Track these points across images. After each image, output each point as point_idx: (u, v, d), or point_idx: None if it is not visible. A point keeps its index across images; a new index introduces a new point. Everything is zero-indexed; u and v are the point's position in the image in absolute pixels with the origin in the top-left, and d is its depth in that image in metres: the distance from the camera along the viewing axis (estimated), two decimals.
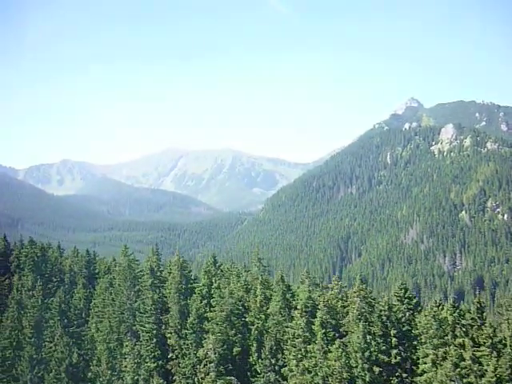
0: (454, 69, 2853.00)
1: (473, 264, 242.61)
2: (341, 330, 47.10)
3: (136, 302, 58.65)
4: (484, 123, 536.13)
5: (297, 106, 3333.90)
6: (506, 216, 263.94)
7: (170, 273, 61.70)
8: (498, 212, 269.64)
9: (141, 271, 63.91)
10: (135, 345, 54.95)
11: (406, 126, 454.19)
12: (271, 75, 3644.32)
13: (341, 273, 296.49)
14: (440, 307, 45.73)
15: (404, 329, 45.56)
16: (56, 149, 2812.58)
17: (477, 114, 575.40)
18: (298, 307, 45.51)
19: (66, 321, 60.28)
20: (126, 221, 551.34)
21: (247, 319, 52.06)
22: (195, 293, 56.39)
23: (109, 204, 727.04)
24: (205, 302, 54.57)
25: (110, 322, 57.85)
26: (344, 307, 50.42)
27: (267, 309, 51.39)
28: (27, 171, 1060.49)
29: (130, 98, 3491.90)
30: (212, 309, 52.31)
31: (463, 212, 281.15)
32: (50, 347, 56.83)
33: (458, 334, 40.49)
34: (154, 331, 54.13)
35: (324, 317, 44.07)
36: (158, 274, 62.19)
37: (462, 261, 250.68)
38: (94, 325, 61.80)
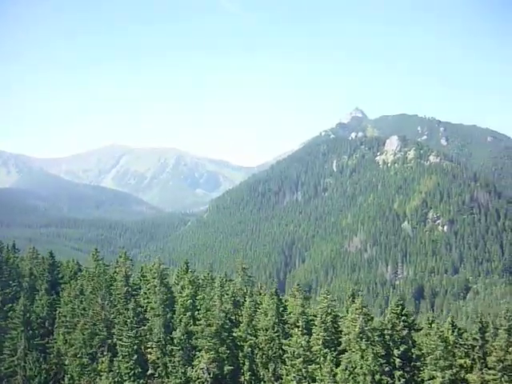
0: (397, 82, 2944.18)
1: (414, 273, 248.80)
2: (339, 348, 44.61)
3: (111, 312, 53.56)
4: (425, 137, 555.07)
5: (242, 109, 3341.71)
6: (445, 227, 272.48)
7: (142, 280, 57.27)
8: (439, 223, 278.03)
9: (112, 278, 58.65)
10: (111, 361, 49.79)
11: (353, 135, 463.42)
12: (218, 77, 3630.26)
13: (284, 278, 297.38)
14: (433, 324, 44.31)
15: (403, 348, 43.65)
16: None
17: (419, 128, 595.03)
18: (297, 324, 42.77)
19: (30, 332, 53.32)
20: (65, 217, 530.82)
21: (235, 334, 48.71)
22: (177, 304, 52.04)
23: (46, 199, 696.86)
24: (189, 314, 50.24)
25: (82, 334, 52.01)
26: (334, 322, 47.86)
27: (257, 323, 48.33)
28: None
29: (73, 93, 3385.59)
30: (198, 322, 48.31)
31: (405, 222, 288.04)
32: (12, 361, 50.42)
33: (460, 355, 39.14)
34: (135, 346, 49.17)
35: (325, 335, 41.59)
36: (131, 281, 57.47)
37: (403, 270, 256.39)
38: (61, 336, 55.61)
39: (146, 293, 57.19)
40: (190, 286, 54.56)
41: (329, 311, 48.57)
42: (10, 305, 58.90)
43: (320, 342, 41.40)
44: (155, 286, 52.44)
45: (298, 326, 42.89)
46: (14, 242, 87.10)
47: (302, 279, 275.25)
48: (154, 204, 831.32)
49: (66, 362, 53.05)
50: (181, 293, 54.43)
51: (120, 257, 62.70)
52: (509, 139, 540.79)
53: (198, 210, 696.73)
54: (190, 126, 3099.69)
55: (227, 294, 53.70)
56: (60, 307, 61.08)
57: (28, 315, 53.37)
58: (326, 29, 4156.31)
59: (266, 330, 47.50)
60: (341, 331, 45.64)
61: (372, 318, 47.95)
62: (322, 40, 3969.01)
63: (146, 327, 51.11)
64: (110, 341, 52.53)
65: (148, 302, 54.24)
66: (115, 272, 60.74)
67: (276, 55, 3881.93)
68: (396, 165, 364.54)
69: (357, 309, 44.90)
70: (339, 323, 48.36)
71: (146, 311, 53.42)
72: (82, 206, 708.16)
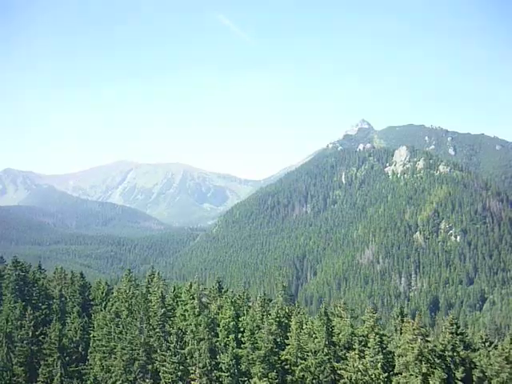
0: (403, 93, 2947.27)
1: (428, 285, 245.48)
2: (394, 370, 42.08)
3: (150, 335, 50.81)
4: (433, 147, 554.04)
5: (248, 123, 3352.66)
6: (458, 238, 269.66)
7: (176, 300, 55.14)
8: (451, 234, 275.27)
9: (147, 300, 55.67)
10: None
11: (361, 146, 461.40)
12: (223, 94, 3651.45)
13: (297, 292, 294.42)
14: (486, 342, 42.32)
15: (463, 371, 40.98)
16: None
17: (426, 138, 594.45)
18: (352, 346, 40.76)
19: (66, 358, 50.80)
20: (74, 234, 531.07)
21: (283, 357, 46.57)
22: (219, 326, 49.97)
23: (55, 216, 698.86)
24: (232, 337, 48.03)
25: (122, 359, 48.67)
26: (381, 342, 45.43)
27: (304, 345, 46.13)
28: None
29: (80, 110, 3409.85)
30: (243, 346, 46.26)
31: (417, 233, 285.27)
32: None
33: None
34: (179, 372, 46.32)
35: (382, 358, 39.62)
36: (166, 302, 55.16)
37: (417, 281, 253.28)
38: (97, 362, 52.09)
39: (183, 314, 54.60)
40: (232, 307, 52.29)
41: (376, 330, 46.71)
42: (42, 329, 56.54)
43: (379, 366, 39.30)
44: (194, 308, 50.24)
45: (353, 349, 40.84)
46: (39, 261, 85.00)
47: (315, 292, 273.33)
48: (161, 219, 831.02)
49: None
50: (219, 314, 52.21)
51: (151, 276, 60.51)
52: None
53: (205, 224, 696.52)
54: (196, 140, 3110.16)
55: (269, 315, 51.55)
56: (93, 331, 58.56)
57: (63, 340, 51.34)
58: (330, 42, 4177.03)
59: (316, 353, 45.13)
60: (390, 352, 43.37)
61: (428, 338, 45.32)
62: (324, 53, 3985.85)
63: (185, 351, 48.45)
64: (150, 366, 49.71)
65: (187, 325, 51.71)
66: (148, 292, 58.66)
67: (281, 68, 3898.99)
68: (405, 175, 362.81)
69: (414, 329, 42.62)
70: (386, 343, 45.99)
71: (184, 334, 50.92)
72: (90, 222, 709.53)
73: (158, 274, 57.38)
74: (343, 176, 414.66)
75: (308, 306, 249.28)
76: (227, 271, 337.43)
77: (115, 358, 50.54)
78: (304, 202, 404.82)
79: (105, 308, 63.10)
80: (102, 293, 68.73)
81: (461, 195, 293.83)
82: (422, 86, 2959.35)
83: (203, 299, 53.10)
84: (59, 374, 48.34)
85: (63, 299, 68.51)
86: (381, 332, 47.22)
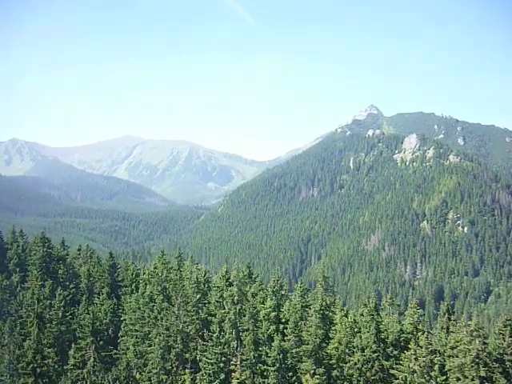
0: (413, 80, 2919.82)
1: (433, 274, 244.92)
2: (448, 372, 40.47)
3: (187, 323, 48.86)
4: (442, 136, 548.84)
5: (255, 104, 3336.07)
6: (466, 229, 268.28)
7: (209, 285, 53.32)
8: (459, 224, 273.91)
9: (182, 285, 53.82)
10: (193, 379, 45.10)
11: (370, 132, 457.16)
12: (233, 75, 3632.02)
13: (300, 275, 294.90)
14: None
15: None
16: (5, 127, 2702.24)
17: (435, 127, 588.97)
18: (409, 347, 39.18)
19: (100, 342, 48.05)
20: (79, 207, 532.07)
21: (328, 352, 45.33)
22: (260, 316, 47.88)
23: (60, 188, 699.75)
24: (272, 328, 46.46)
25: (160, 347, 46.30)
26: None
27: (351, 340, 44.87)
28: None
29: (88, 84, 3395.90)
30: (286, 338, 44.93)
31: (424, 222, 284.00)
32: (80, 373, 45.60)
33: None
34: (221, 364, 44.19)
35: (439, 360, 38.27)
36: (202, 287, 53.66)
37: (422, 270, 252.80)
38: (130, 347, 50.38)
39: (218, 301, 52.43)
40: (274, 297, 50.93)
41: (420, 327, 45.58)
42: (70, 309, 55.42)
43: (436, 368, 37.99)
44: (232, 296, 48.32)
45: (405, 347, 39.51)
46: (63, 238, 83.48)
47: (319, 276, 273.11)
48: (165, 196, 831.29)
49: (137, 377, 48.69)
50: (261, 303, 50.82)
51: (179, 257, 58.86)
52: None
53: (209, 203, 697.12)
54: (204, 119, 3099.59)
55: (308, 306, 49.79)
56: (124, 314, 56.74)
57: (96, 324, 49.16)
58: (342, 28, 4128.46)
59: (363, 350, 43.75)
60: (436, 351, 42.03)
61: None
62: (335, 38, 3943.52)
63: (223, 341, 46.28)
64: (187, 355, 47.82)
65: (224, 313, 49.48)
66: (180, 276, 57.27)
67: (291, 52, 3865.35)
68: (414, 163, 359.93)
69: (473, 330, 41.14)
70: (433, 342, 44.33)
71: (222, 322, 48.64)
72: (95, 196, 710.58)
73: (192, 257, 55.08)
74: (351, 161, 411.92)
75: (311, 290, 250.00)
76: (231, 251, 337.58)
77: (150, 345, 49.16)
78: (311, 185, 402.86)
79: (135, 290, 61.70)
80: (132, 274, 67.03)
81: (470, 186, 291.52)
82: (433, 74, 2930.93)
83: (246, 289, 51.25)
84: (92, 359, 46.70)
85: (91, 279, 66.85)
86: (425, 329, 46.16)
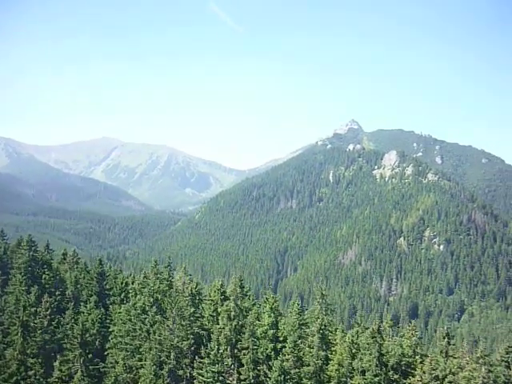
0: (393, 96, 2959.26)
1: (408, 291, 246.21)
2: None
3: (182, 338, 45.98)
4: (421, 154, 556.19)
5: (235, 113, 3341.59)
6: (441, 247, 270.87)
7: (202, 299, 50.77)
8: (435, 242, 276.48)
9: (175, 297, 50.26)
10: None
11: (350, 147, 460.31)
12: (214, 82, 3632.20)
13: (276, 286, 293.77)
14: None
15: None
16: None
17: (414, 144, 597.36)
18: (412, 371, 37.98)
19: (88, 355, 45.89)
20: (54, 207, 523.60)
21: (328, 374, 43.66)
22: (257, 334, 45.69)
23: (34, 187, 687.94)
24: (271, 346, 44.58)
25: (152, 362, 43.60)
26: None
27: (350, 363, 43.28)
28: None
29: (68, 83, 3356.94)
30: (285, 358, 42.79)
31: (401, 238, 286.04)
32: None
33: None
34: (218, 383, 41.57)
35: None
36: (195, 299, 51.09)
37: (397, 286, 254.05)
38: (120, 361, 47.20)
39: (212, 315, 50.58)
40: (272, 314, 49.08)
41: (418, 350, 44.45)
42: (58, 317, 52.48)
43: None
44: (229, 311, 46.28)
45: (406, 372, 38.21)
46: (47, 242, 79.54)
47: (295, 288, 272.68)
48: (142, 200, 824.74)
49: None
50: (255, 319, 48.44)
51: (168, 266, 56.65)
52: (503, 162, 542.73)
53: (186, 209, 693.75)
54: (184, 125, 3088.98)
55: (304, 324, 47.90)
56: (113, 325, 54.03)
57: (86, 335, 47.02)
58: (325, 40, 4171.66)
59: (363, 373, 42.26)
60: (438, 377, 41.01)
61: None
62: (317, 50, 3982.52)
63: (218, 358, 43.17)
64: (181, 372, 45.10)
65: (220, 329, 47.42)
66: (172, 288, 54.85)
67: (274, 61, 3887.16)
68: (394, 180, 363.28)
69: (479, 357, 40.30)
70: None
71: (218, 339, 46.44)
72: (71, 197, 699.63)
73: (185, 268, 52.83)
74: (331, 174, 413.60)
75: (286, 302, 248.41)
76: (207, 259, 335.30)
77: (140, 359, 46.92)
78: (290, 196, 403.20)
79: (124, 300, 59.23)
80: (121, 283, 64.09)
81: (447, 205, 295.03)
82: (413, 92, 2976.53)
83: (243, 303, 49.03)
84: (80, 373, 44.18)
85: (78, 286, 63.93)
86: (424, 353, 45.23)
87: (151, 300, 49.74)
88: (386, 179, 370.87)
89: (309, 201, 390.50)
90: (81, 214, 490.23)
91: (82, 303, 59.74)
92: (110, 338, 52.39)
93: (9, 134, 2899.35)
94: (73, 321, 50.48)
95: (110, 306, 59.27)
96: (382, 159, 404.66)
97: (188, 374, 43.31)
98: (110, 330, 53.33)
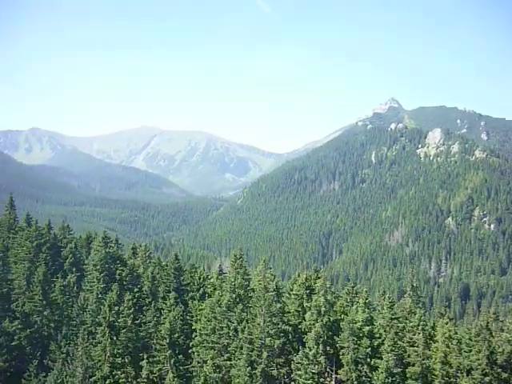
0: (433, 74, 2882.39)
1: (458, 272, 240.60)
2: None
3: (271, 336, 44.17)
4: (465, 130, 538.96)
5: (272, 96, 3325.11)
6: (492, 226, 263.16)
7: (278, 291, 49.41)
8: (485, 222, 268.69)
9: (264, 292, 46.99)
10: None
11: (392, 126, 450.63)
12: (251, 67, 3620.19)
13: (318, 268, 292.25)
14: None
15: None
16: (25, 116, 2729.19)
17: (458, 121, 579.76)
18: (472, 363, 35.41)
19: (178, 356, 44.76)
20: (98, 197, 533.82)
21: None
22: (344, 331, 43.31)
23: (79, 178, 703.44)
24: (366, 343, 42.23)
25: (245, 362, 41.83)
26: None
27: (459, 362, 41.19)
28: None
29: (107, 73, 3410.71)
30: (383, 356, 40.95)
31: (449, 218, 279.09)
32: None
33: None
34: None
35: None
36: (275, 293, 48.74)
37: (447, 268, 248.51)
38: (209, 361, 45.82)
39: (297, 311, 48.56)
40: (366, 309, 46.76)
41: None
42: (141, 318, 51.76)
43: None
44: (319, 306, 44.48)
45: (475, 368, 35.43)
46: (116, 236, 79.28)
47: (341, 271, 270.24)
48: (183, 187, 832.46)
49: None
50: (343, 314, 47.53)
51: (239, 260, 55.28)
52: None
53: (227, 194, 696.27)
54: (221, 110, 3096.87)
55: (398, 319, 45.88)
56: (195, 322, 52.93)
57: (174, 335, 45.86)
58: (360, 19, 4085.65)
59: (469, 372, 39.86)
60: None
61: None
62: (352, 30, 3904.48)
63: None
64: (274, 372, 43.53)
65: (309, 325, 45.30)
66: (250, 282, 53.96)
67: (307, 43, 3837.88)
68: (439, 158, 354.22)
69: None
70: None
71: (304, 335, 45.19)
72: (114, 186, 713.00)
73: (265, 261, 50.81)
74: (373, 155, 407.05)
75: (334, 285, 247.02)
76: (252, 244, 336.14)
77: (229, 358, 45.50)
78: (332, 178, 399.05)
79: (203, 296, 58.51)
80: (199, 278, 63.10)
81: (497, 182, 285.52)
82: (455, 66, 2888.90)
83: (335, 299, 47.05)
84: (171, 375, 43.03)
85: (155, 282, 62.84)
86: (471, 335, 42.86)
87: (233, 296, 48.30)
88: (431, 158, 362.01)
89: (351, 182, 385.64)
90: (124, 203, 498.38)
91: (160, 299, 59.51)
92: (193, 336, 51.57)
93: (52, 127, 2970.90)
94: (155, 319, 50.16)
95: (189, 302, 58.58)
96: (425, 138, 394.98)
97: (282, 375, 42.27)
98: (193, 327, 52.54)
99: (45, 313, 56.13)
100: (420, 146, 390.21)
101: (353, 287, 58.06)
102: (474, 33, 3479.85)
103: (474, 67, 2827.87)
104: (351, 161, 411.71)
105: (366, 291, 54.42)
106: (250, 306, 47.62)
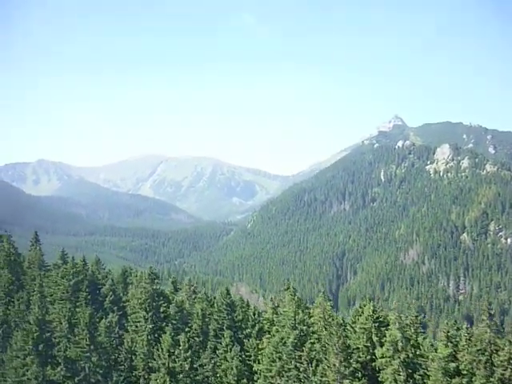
0: (437, 90, 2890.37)
1: (478, 288, 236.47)
2: None
3: (345, 376, 40.46)
4: (471, 145, 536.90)
5: (275, 119, 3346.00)
6: (509, 240, 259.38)
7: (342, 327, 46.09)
8: (501, 236, 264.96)
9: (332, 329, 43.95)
10: None
11: (399, 143, 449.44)
12: (252, 88, 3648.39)
13: (337, 291, 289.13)
14: None
15: None
16: (31, 148, 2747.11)
17: (464, 136, 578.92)
18: None
19: None
20: (108, 225, 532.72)
21: None
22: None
23: (87, 207, 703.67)
24: None
25: None
26: None
27: None
28: (2, 169, 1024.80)
29: (110, 103, 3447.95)
30: None
31: (465, 234, 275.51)
32: None
33: None
34: None
35: None
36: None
37: (466, 285, 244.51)
38: None
39: (366, 346, 45.15)
40: (450, 344, 41.91)
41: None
42: (196, 359, 48.45)
43: None
44: (394, 342, 40.70)
45: None
46: (151, 268, 72.08)
47: (358, 292, 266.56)
48: (191, 212, 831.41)
49: None
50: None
51: (289, 292, 52.83)
52: None
53: (235, 218, 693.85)
54: (225, 135, 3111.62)
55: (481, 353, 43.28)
56: (255, 362, 48.43)
57: (235, 379, 43.59)
58: (358, 39, 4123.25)
59: None
60: None
61: None
62: (349, 50, 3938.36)
63: None
64: None
65: (385, 364, 42.12)
66: (312, 317, 50.12)
67: (305, 66, 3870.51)
68: (449, 174, 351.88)
69: None
70: None
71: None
72: (122, 214, 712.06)
73: (324, 293, 47.55)
74: (382, 173, 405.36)
75: (350, 307, 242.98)
76: (265, 268, 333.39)
77: None
78: (342, 199, 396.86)
79: (259, 333, 54.75)
80: (254, 314, 59.00)
81: (511, 196, 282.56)
82: (457, 81, 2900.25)
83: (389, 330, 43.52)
84: None
85: (207, 320, 58.35)
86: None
87: (296, 333, 44.83)
88: (441, 174, 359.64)
89: (362, 202, 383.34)
90: (134, 231, 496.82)
91: (212, 338, 55.92)
92: (255, 379, 47.81)
93: (58, 157, 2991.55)
94: (212, 361, 47.10)
95: (245, 341, 54.79)
96: (434, 154, 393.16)
97: None
98: (254, 368, 48.35)
99: (93, 359, 52.60)
100: (429, 162, 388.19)
101: (447, 323, 53.73)
102: (474, 45, 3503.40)
103: (476, 81, 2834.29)
104: (360, 180, 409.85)
105: (447, 323, 51.08)
106: (313, 343, 43.95)
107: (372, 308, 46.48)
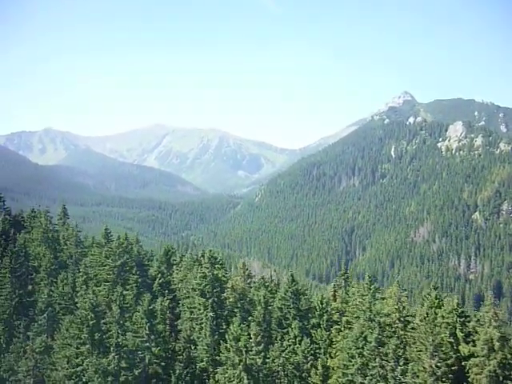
0: (445, 64, 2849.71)
1: (489, 268, 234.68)
2: None
3: (438, 378, 37.14)
4: (483, 123, 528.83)
5: (282, 92, 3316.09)
6: None
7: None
8: None
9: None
10: None
11: (411, 120, 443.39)
12: (260, 63, 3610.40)
13: (346, 267, 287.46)
14: None
15: None
16: (38, 117, 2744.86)
17: (476, 113, 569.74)
18: None
19: None
20: (115, 196, 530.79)
21: None
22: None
23: (94, 177, 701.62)
24: None
25: None
26: None
27: None
28: (8, 137, 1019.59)
29: (118, 73, 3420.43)
30: None
31: (477, 213, 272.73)
32: None
33: None
34: None
35: None
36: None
37: (477, 264, 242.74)
38: None
39: (450, 342, 40.90)
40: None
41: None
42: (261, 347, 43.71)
43: None
44: (489, 341, 36.77)
45: None
46: (210, 250, 63.53)
47: (367, 269, 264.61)
48: (196, 184, 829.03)
49: None
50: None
51: (344, 277, 49.90)
52: None
53: (241, 191, 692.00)
54: (232, 107, 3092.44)
55: None
56: (328, 356, 44.88)
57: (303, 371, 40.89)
58: (370, 13, 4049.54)
59: None
60: None
61: None
62: (361, 23, 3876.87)
63: None
64: None
65: (477, 363, 38.30)
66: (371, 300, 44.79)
67: (319, 39, 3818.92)
68: (461, 152, 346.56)
69: None
70: None
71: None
72: (129, 185, 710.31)
73: (398, 282, 43.99)
74: (392, 149, 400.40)
75: (359, 284, 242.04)
76: (273, 242, 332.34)
77: None
78: (351, 174, 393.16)
79: (328, 324, 50.01)
80: (321, 303, 52.53)
81: None
82: (470, 56, 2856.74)
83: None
84: None
85: (269, 307, 53.51)
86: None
87: (371, 325, 41.18)
88: (453, 151, 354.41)
89: (371, 178, 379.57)
90: (141, 202, 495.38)
91: (274, 328, 51.90)
92: (328, 375, 44.09)
93: (65, 127, 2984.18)
94: (282, 354, 44.03)
95: (313, 332, 50.55)
96: (446, 131, 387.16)
97: None
98: (328, 363, 44.83)
99: (153, 349, 48.88)
100: (441, 139, 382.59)
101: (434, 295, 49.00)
102: (487, 20, 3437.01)
103: (488, 57, 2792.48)
104: (370, 156, 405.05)
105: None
106: (391, 337, 40.87)
107: (456, 301, 43.39)
